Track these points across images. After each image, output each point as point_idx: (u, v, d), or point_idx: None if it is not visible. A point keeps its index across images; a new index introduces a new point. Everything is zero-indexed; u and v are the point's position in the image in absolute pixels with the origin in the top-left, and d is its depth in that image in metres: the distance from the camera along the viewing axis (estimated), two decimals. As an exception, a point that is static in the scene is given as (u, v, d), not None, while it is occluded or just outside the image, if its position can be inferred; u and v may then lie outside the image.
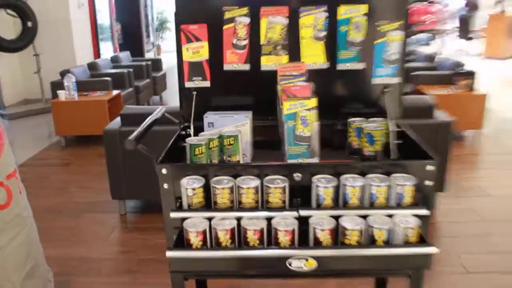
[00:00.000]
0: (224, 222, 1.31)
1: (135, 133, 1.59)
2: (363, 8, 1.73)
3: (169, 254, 1.28)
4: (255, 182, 1.34)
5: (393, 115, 1.78)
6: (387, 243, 1.29)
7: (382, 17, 1.73)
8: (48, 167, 4.50)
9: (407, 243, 1.29)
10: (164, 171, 1.39)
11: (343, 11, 1.73)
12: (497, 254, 2.77)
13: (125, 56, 6.79)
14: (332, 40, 1.75)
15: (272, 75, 1.78)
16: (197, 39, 1.74)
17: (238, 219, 1.32)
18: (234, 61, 1.77)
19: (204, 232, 1.29)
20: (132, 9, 8.56)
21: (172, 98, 7.30)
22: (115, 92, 5.12)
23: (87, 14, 6.59)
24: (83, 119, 4.76)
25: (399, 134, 1.70)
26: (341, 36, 1.75)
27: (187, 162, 1.56)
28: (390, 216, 1.33)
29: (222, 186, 1.34)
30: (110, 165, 3.25)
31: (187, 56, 1.76)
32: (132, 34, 8.46)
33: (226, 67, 1.78)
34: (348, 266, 1.31)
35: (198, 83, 1.79)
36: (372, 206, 1.36)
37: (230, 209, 1.35)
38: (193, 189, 1.35)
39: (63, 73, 5.03)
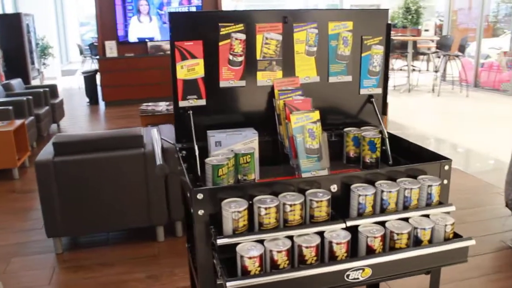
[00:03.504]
0: (278, 243, 1.26)
1: (159, 157, 1.45)
2: (349, 24, 1.81)
3: (232, 284, 1.18)
4: (301, 198, 1.32)
5: (380, 123, 1.89)
6: (430, 242, 1.36)
7: (365, 32, 1.83)
8: None
9: (448, 239, 1.36)
10: (199, 196, 1.30)
11: (332, 27, 1.79)
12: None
13: (17, 83, 6.14)
14: (321, 55, 1.81)
15: (267, 91, 1.78)
16: (192, 56, 1.67)
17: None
18: (230, 77, 1.73)
19: (261, 257, 1.23)
20: (15, 34, 7.83)
21: (71, 125, 6.80)
22: (18, 121, 4.61)
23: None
24: (-15, 154, 4.22)
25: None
26: (332, 50, 1.81)
27: (208, 183, 1.48)
28: (426, 216, 1.41)
29: (268, 206, 1.29)
30: (44, 200, 2.91)
31: (182, 74, 1.68)
32: (16, 61, 7.73)
33: (222, 84, 1.73)
34: (399, 269, 1.35)
35: (193, 101, 1.71)
36: (406, 208, 1.42)
37: (277, 228, 1.31)
38: (239, 211, 1.27)
39: (-45, 104, 4.41)
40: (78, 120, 7.31)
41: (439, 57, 9.88)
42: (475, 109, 7.56)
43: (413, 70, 10.46)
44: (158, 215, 3.11)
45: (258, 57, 1.73)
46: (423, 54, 11.11)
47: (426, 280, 1.61)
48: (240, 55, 1.71)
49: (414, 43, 9.71)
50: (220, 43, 1.68)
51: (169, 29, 1.63)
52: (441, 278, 1.60)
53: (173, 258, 2.97)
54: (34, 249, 3.14)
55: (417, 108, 7.83)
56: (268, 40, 1.73)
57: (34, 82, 8.39)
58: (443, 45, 9.48)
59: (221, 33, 1.67)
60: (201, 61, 1.68)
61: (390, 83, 9.37)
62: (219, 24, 1.66)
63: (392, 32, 10.50)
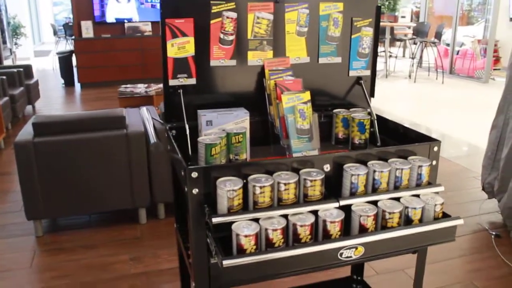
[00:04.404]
0: (273, 222, 1.27)
1: (152, 136, 1.43)
2: (340, 5, 1.80)
3: (228, 262, 1.18)
4: (295, 177, 1.32)
5: (368, 104, 1.90)
6: (421, 221, 1.39)
7: (355, 14, 1.83)
8: None
9: (437, 219, 1.39)
10: (194, 174, 1.28)
11: (323, 8, 1.79)
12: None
13: (-11, 62, 5.98)
14: (311, 36, 1.80)
15: (257, 71, 1.77)
16: (183, 34, 1.64)
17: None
18: (221, 56, 1.71)
19: (256, 235, 1.23)
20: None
21: (47, 107, 6.63)
22: (-8, 102, 4.48)
23: None
24: (-42, 135, 4.08)
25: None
26: (322, 31, 1.81)
27: (201, 163, 1.47)
28: (416, 195, 1.43)
29: (263, 185, 1.29)
30: (24, 182, 2.85)
31: (172, 52, 1.65)
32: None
33: (213, 63, 1.71)
34: (390, 248, 1.37)
35: (184, 80, 1.69)
36: (397, 188, 1.44)
37: (272, 207, 1.31)
38: (234, 190, 1.27)
39: None
40: (53, 102, 7.14)
41: (415, 43, 9.99)
42: (451, 96, 7.70)
43: (390, 56, 10.56)
44: (141, 197, 3.08)
45: (249, 37, 1.72)
46: (400, 40, 11.20)
47: (407, 260, 1.65)
48: (231, 34, 1.69)
49: (391, 29, 9.79)
50: (212, 21, 1.66)
51: (160, 5, 1.60)
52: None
53: (156, 240, 2.96)
54: (13, 231, 3.08)
55: (394, 94, 7.93)
56: (259, 20, 1.71)
57: (6, 63, 8.14)
58: (419, 32, 9.59)
59: (212, 11, 1.65)
60: (191, 39, 1.66)
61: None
62: (211, 2, 1.63)
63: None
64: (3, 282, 2.54)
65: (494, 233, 3.02)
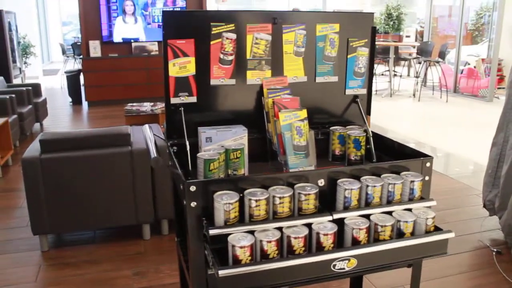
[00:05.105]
0: (268, 234, 1.31)
1: (153, 151, 1.49)
2: (336, 26, 1.87)
3: (224, 272, 1.23)
4: (289, 191, 1.37)
5: (365, 122, 1.96)
6: (412, 234, 1.43)
7: (351, 35, 1.90)
8: None
9: (429, 232, 1.43)
10: (192, 188, 1.34)
11: (320, 29, 1.86)
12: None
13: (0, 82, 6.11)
14: (308, 56, 1.87)
15: (256, 89, 1.83)
16: (184, 54, 1.71)
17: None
18: (221, 76, 1.78)
19: (251, 247, 1.28)
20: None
21: (55, 125, 6.74)
22: (1, 120, 4.57)
23: None
24: (-33, 152, 4.18)
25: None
26: (319, 51, 1.87)
27: (200, 177, 1.52)
28: (408, 210, 1.47)
29: (258, 198, 1.34)
30: (30, 197, 2.91)
31: (174, 72, 1.72)
32: (-4, 59, 7.66)
33: (213, 82, 1.77)
34: (383, 260, 1.41)
35: (185, 98, 1.75)
36: (390, 202, 1.48)
37: (267, 220, 1.36)
38: (230, 203, 1.32)
39: None
40: (61, 119, 7.26)
41: (420, 63, 10.08)
42: (455, 114, 7.74)
43: (395, 75, 10.64)
44: (145, 213, 3.13)
45: (248, 57, 1.79)
46: (404, 59, 11.31)
47: (407, 277, 1.67)
48: (231, 54, 1.76)
49: (396, 48, 9.90)
50: (212, 42, 1.73)
51: (162, 27, 1.67)
52: (422, 275, 1.66)
53: (159, 255, 3.00)
54: (19, 246, 3.12)
55: (398, 113, 7.98)
56: (258, 40, 1.78)
57: (16, 81, 8.30)
58: (423, 51, 9.68)
59: (212, 32, 1.72)
60: (192, 59, 1.73)
61: (372, 88, 9.43)
62: (211, 23, 1.71)
63: (374, 38, 10.71)
64: (8, 296, 2.59)
65: (495, 250, 3.03)
